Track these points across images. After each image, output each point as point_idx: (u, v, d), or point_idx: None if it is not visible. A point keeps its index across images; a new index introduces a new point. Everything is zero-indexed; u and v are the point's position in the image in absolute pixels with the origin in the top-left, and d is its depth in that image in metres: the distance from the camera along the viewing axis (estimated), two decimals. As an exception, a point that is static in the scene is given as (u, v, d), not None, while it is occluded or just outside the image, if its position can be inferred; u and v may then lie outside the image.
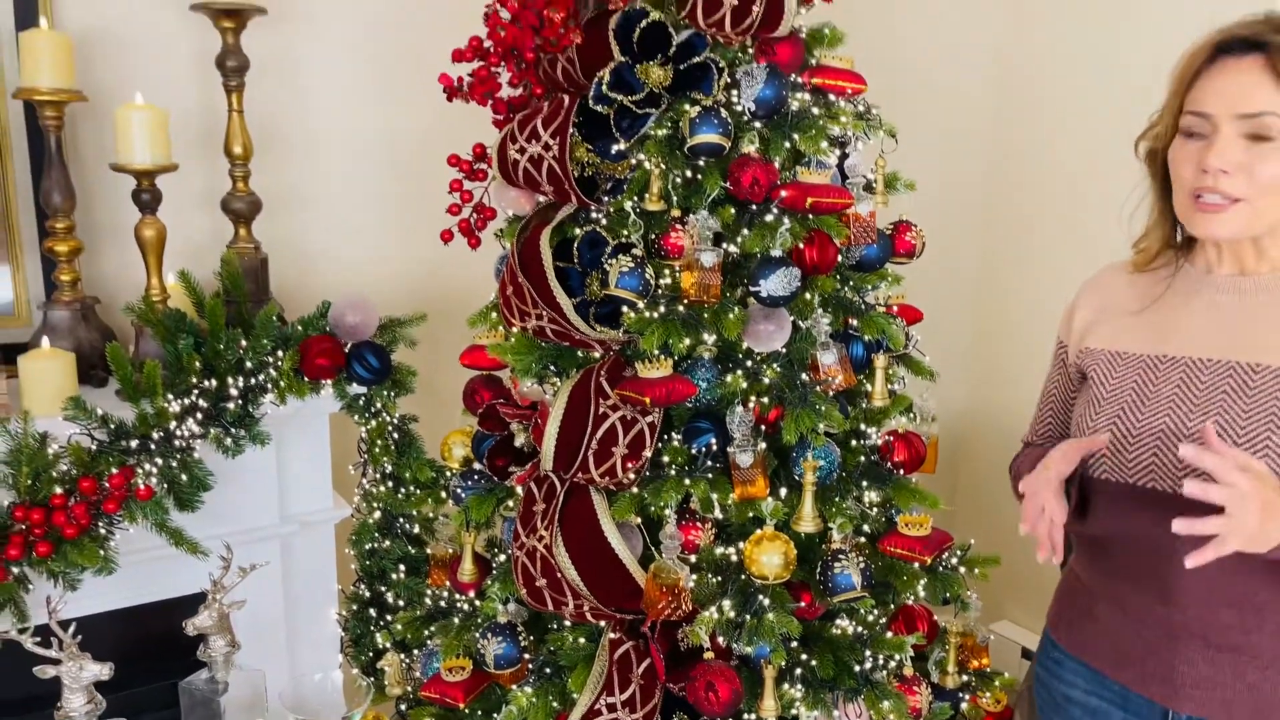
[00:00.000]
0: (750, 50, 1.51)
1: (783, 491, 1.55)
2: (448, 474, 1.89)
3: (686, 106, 1.48)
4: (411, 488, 2.00)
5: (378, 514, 2.03)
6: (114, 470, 1.61)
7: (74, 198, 1.84)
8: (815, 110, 1.54)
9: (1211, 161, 1.23)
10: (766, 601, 1.47)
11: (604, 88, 1.47)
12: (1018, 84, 2.83)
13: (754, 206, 1.52)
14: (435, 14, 2.19)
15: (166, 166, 1.84)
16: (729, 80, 1.51)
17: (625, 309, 1.49)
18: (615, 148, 1.51)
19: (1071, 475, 1.33)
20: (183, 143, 1.95)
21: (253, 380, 1.76)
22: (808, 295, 1.55)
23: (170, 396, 1.68)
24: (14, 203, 1.90)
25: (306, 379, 1.82)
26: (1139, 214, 1.45)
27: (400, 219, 2.31)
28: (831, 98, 1.57)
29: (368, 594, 2.06)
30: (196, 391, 1.70)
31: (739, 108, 1.51)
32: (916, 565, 1.62)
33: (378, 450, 1.98)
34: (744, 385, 1.52)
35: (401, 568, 2.01)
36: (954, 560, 1.71)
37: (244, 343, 1.76)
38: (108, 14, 1.96)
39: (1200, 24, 1.31)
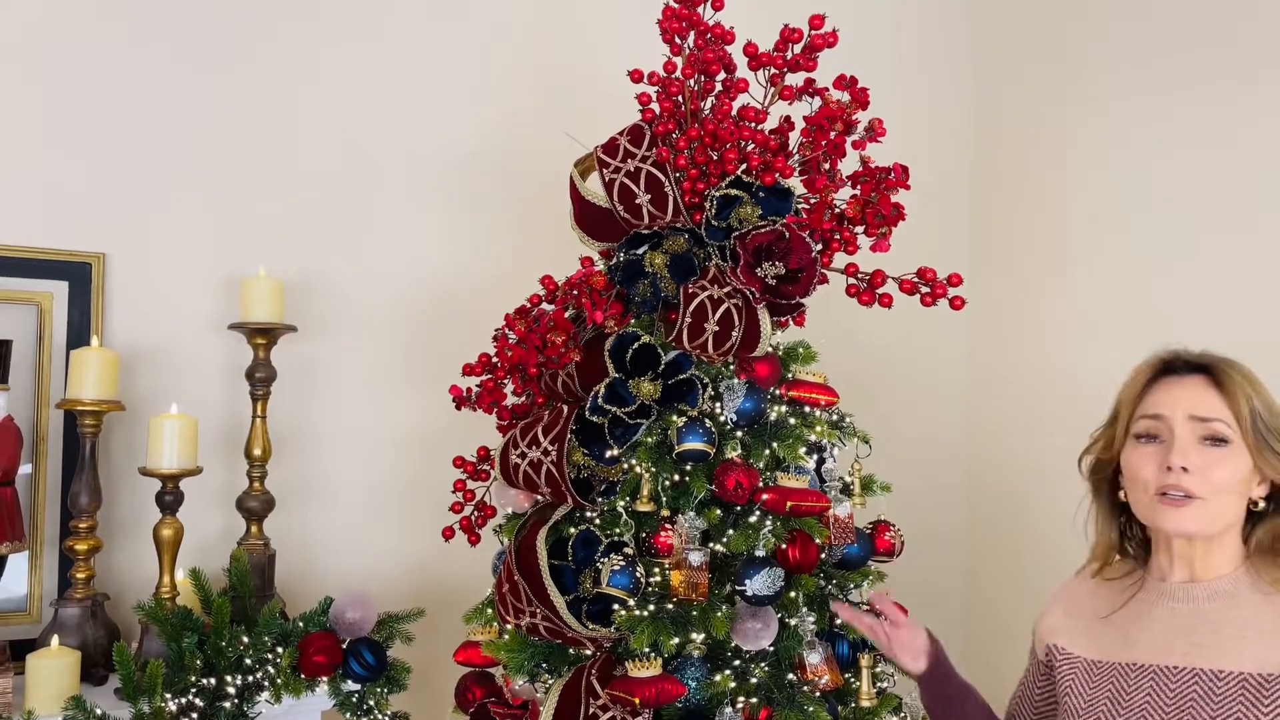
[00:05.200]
0: (732, 367, 1.67)
1: (775, 796, 1.53)
2: (438, 776, 1.86)
3: (674, 417, 1.62)
4: (399, 791, 1.95)
5: (363, 820, 1.97)
6: (103, 774, 1.60)
7: (100, 499, 1.94)
8: (792, 420, 1.68)
9: (1174, 459, 1.33)
10: None
11: (600, 400, 1.62)
12: (990, 389, 3.03)
13: (738, 508, 1.61)
14: (446, 332, 2.40)
15: (191, 470, 1.95)
16: (713, 393, 1.66)
17: (616, 606, 1.55)
18: (609, 453, 1.62)
19: None
20: (205, 443, 2.08)
21: (250, 678, 1.78)
22: (793, 593, 1.61)
23: (168, 696, 1.70)
24: (42, 502, 2.00)
25: (304, 675, 1.83)
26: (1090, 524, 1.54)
27: (404, 515, 2.39)
28: (807, 409, 1.71)
29: None
30: (195, 690, 1.72)
31: (722, 418, 1.64)
32: None
33: (368, 751, 1.96)
34: (733, 684, 1.55)
35: None
36: None
37: (245, 640, 1.80)
38: (152, 333, 2.15)
39: (1151, 346, 1.46)
